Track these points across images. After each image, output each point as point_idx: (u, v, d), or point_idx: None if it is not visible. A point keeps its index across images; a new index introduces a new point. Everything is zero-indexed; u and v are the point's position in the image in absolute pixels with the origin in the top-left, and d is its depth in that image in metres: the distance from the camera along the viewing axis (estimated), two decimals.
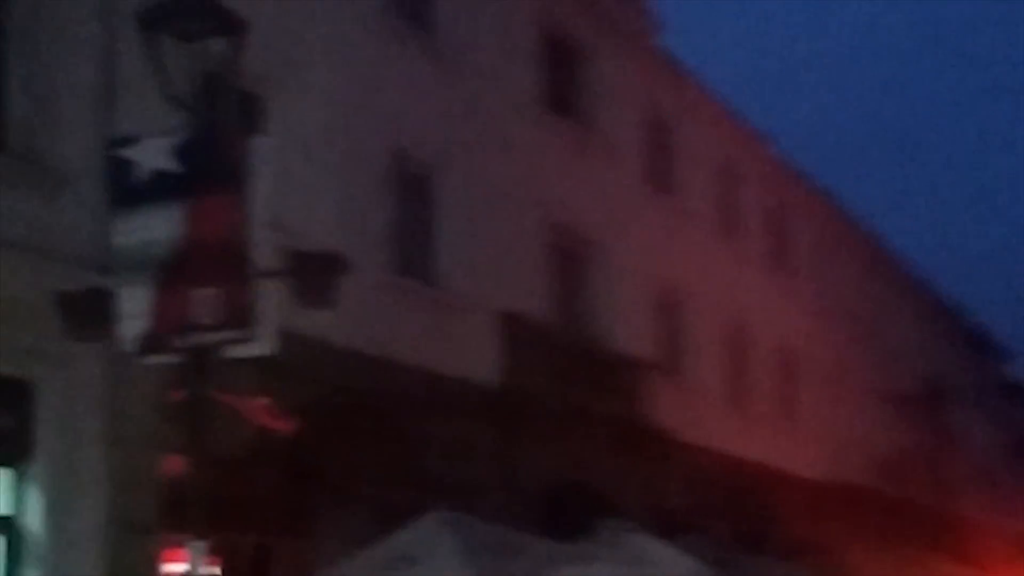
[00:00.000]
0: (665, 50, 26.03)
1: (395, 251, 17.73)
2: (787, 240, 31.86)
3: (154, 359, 9.87)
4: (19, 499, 12.03)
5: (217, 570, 13.41)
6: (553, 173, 21.55)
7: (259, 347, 9.70)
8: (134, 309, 9.57)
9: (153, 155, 9.80)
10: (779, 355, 30.54)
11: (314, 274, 9.94)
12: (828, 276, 33.67)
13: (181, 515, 9.96)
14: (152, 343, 9.60)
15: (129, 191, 9.82)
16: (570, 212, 22.08)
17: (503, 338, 19.64)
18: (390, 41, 17.93)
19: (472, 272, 18.99)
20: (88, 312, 9.80)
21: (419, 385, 17.06)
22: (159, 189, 9.70)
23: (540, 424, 19.59)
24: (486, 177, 19.61)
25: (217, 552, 13.70)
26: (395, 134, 17.80)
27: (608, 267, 23.17)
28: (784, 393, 30.76)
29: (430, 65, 18.82)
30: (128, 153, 9.88)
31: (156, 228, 9.66)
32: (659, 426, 23.08)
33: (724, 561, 17.06)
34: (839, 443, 31.78)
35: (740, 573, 17.06)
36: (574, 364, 21.27)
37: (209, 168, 9.72)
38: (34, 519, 12.01)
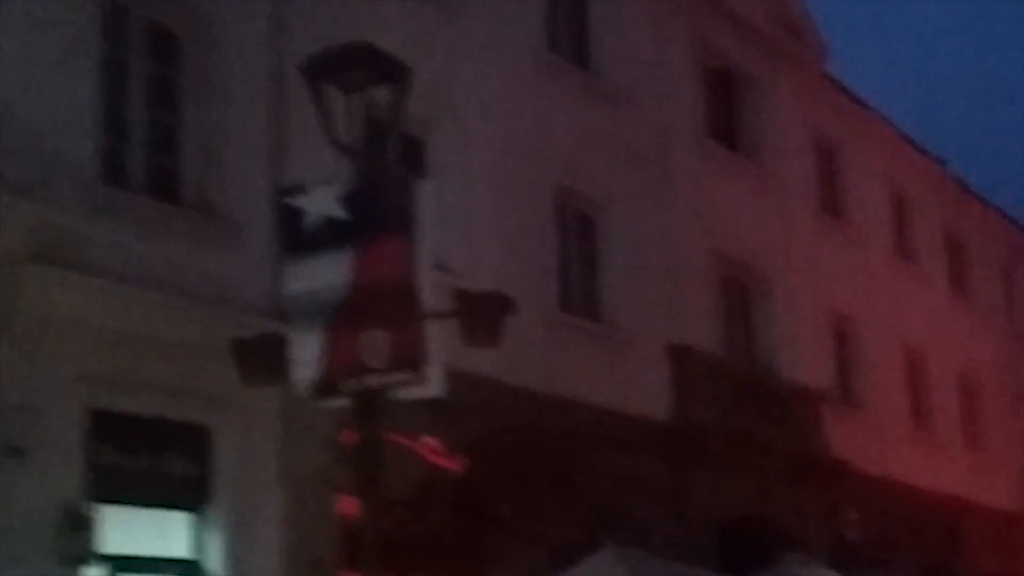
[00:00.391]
0: (832, 76, 25.68)
1: (561, 288, 17.78)
2: (966, 263, 31.06)
3: (326, 402, 10.02)
4: (199, 542, 12.37)
5: None
6: (720, 204, 21.40)
7: (429, 388, 9.76)
8: (306, 354, 9.73)
9: (321, 203, 9.97)
10: (962, 381, 29.71)
11: (481, 314, 9.99)
12: (1010, 298, 32.69)
13: (356, 554, 10.08)
14: (324, 386, 9.75)
15: (299, 239, 10.01)
16: (738, 242, 21.88)
17: (672, 371, 19.52)
18: (550, 79, 18.05)
19: (639, 306, 18.94)
20: (263, 358, 10.01)
21: (588, 421, 17.06)
22: (328, 236, 9.87)
23: (712, 457, 19.39)
24: (651, 210, 19.57)
25: None
26: (558, 171, 17.90)
27: (779, 297, 22.87)
28: (969, 420, 29.88)
29: (591, 101, 18.88)
30: (297, 202, 10.08)
31: (326, 274, 9.82)
32: (836, 457, 22.64)
33: None
34: None
35: None
36: (746, 396, 21.01)
37: (376, 213, 9.86)
38: (214, 561, 12.34)
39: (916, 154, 28.82)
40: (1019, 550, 29.02)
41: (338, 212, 9.90)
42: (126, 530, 11.69)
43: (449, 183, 15.40)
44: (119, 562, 11.56)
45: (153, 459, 11.96)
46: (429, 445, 14.31)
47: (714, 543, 19.05)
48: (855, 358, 25.60)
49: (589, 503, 16.77)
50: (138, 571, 11.81)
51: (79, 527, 10.88)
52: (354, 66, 10.04)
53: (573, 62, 18.90)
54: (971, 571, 25.87)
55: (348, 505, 12.29)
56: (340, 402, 9.93)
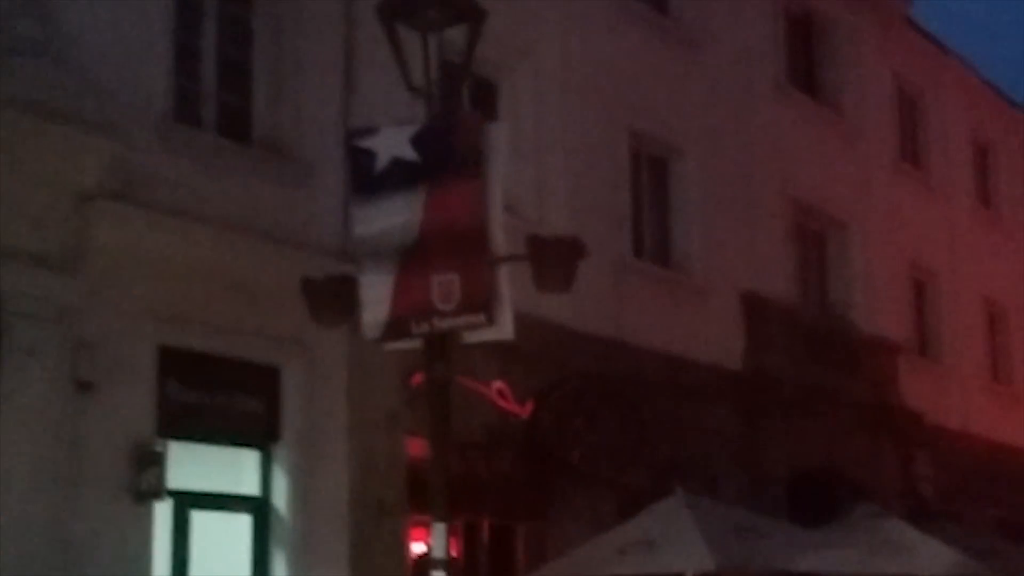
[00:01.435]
0: (914, 21, 25.18)
1: (634, 234, 17.65)
2: None
3: (395, 344, 10.01)
4: (266, 480, 12.45)
5: (457, 551, 13.65)
6: (797, 151, 21.10)
7: (498, 331, 9.72)
8: (375, 295, 9.71)
9: (392, 144, 9.91)
10: None
11: (552, 258, 9.92)
12: None
13: (423, 497, 10.09)
14: (393, 328, 9.72)
15: (369, 180, 9.96)
16: (815, 190, 21.59)
17: (746, 320, 19.35)
18: (626, 23, 17.83)
19: (713, 254, 18.76)
20: (331, 299, 10.02)
21: (659, 368, 16.97)
22: (398, 177, 9.82)
23: (784, 407, 19.23)
24: (727, 157, 19.34)
25: (458, 534, 14.01)
26: (632, 116, 17.71)
27: (855, 246, 22.57)
28: None
29: (667, 46, 18.64)
30: (368, 143, 10.01)
31: (396, 216, 9.77)
32: (910, 409, 22.41)
33: (985, 551, 16.42)
34: None
35: (1002, 564, 16.39)
36: (820, 346, 20.81)
37: (447, 156, 9.79)
38: (280, 499, 12.42)
39: (999, 101, 28.26)
40: None
41: (409, 154, 9.85)
42: (196, 466, 11.82)
43: (522, 127, 15.32)
44: (189, 497, 11.69)
45: (222, 397, 12.03)
46: (498, 389, 14.31)
47: (784, 493, 18.94)
48: (933, 309, 25.25)
49: (658, 450, 16.71)
50: (208, 507, 11.92)
51: (150, 462, 10.99)
52: (429, 6, 9.95)
53: (651, 5, 18.64)
54: None
55: (416, 448, 12.34)
56: (409, 344, 9.93)
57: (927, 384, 23.46)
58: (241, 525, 12.27)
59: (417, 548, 13.26)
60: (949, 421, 23.73)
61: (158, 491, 11.05)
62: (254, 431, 12.39)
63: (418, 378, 11.48)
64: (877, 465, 21.42)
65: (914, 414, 22.39)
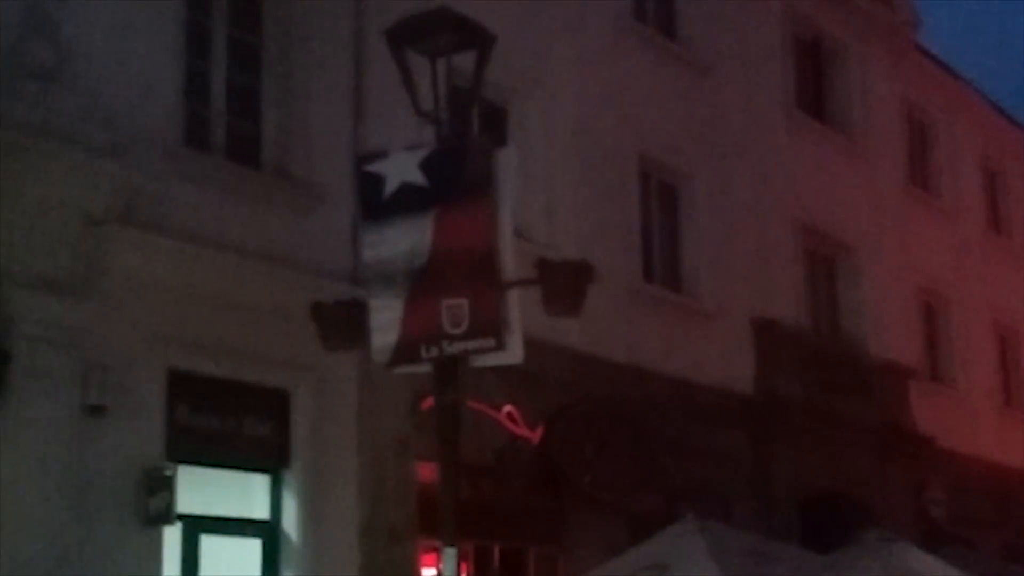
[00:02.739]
0: (923, 46, 25.21)
1: (643, 258, 17.64)
2: None
3: (404, 368, 10.00)
4: (276, 504, 12.44)
5: None
6: (806, 176, 21.11)
7: (508, 356, 9.71)
8: (385, 320, 9.71)
9: (401, 169, 9.92)
10: None
11: (562, 282, 9.91)
12: None
13: (433, 522, 10.08)
14: (402, 353, 9.72)
15: (378, 205, 9.97)
16: (825, 215, 21.59)
17: (755, 344, 19.33)
18: (635, 48, 17.88)
19: (722, 278, 18.76)
20: (341, 323, 10.03)
21: (669, 393, 16.94)
22: (408, 202, 9.83)
23: (795, 432, 19.19)
24: (736, 182, 19.36)
25: (469, 558, 13.99)
26: (642, 141, 17.73)
27: (866, 270, 22.55)
28: None
29: (676, 71, 18.68)
30: (377, 168, 10.03)
31: (405, 240, 9.78)
32: (922, 433, 22.35)
33: (994, 575, 16.38)
34: None
35: None
36: (831, 370, 20.77)
37: (457, 180, 9.80)
38: (290, 523, 12.40)
39: (1009, 126, 28.24)
40: None
41: (419, 178, 9.86)
42: (205, 491, 11.81)
43: (531, 151, 15.34)
44: (199, 522, 11.68)
45: (232, 421, 12.04)
46: (508, 413, 14.29)
47: (796, 518, 18.89)
48: (944, 333, 25.20)
49: (669, 474, 16.68)
50: (218, 531, 11.91)
51: (159, 486, 10.98)
52: (438, 32, 9.97)
53: (659, 31, 18.68)
54: None
55: (427, 472, 12.33)
56: (419, 369, 9.92)
57: (938, 408, 23.38)
58: (251, 550, 12.25)
59: (428, 573, 13.23)
60: (960, 445, 23.62)
61: (168, 515, 11.03)
62: (264, 455, 12.38)
63: (428, 402, 11.46)
64: (888, 489, 21.34)
65: (925, 438, 22.31)
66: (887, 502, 21.11)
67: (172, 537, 11.34)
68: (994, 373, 26.65)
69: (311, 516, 12.40)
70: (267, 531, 12.33)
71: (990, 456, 24.82)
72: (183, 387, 11.49)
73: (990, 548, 22.89)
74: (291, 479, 12.44)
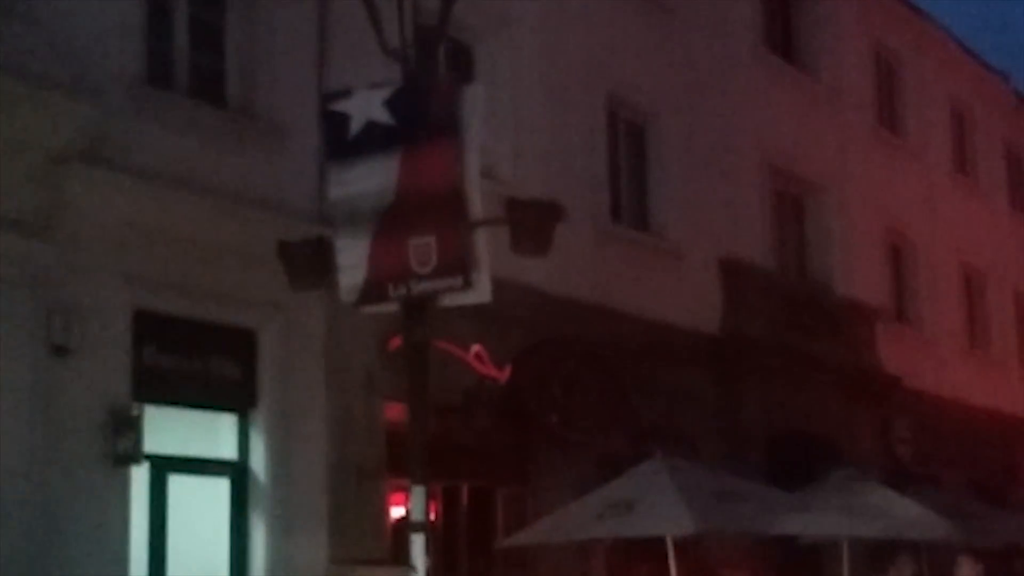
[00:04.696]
0: None
1: (611, 198, 17.61)
2: None
3: (372, 308, 10.01)
4: (244, 444, 12.41)
5: (436, 515, 13.66)
6: (774, 116, 21.08)
7: (475, 295, 9.75)
8: (352, 259, 9.72)
9: (367, 107, 9.90)
10: (1019, 298, 29.36)
11: (530, 222, 9.94)
12: None
13: (402, 461, 10.12)
14: (370, 292, 9.75)
15: (344, 143, 9.95)
16: (792, 155, 21.59)
17: (724, 284, 19.37)
18: None
19: (690, 219, 18.75)
20: (308, 262, 10.03)
21: (637, 333, 16.96)
22: (373, 141, 9.82)
23: (762, 372, 19.29)
24: (704, 122, 19.30)
25: (438, 498, 14.04)
26: (609, 80, 17.64)
27: (833, 211, 22.60)
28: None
29: (645, 11, 18.57)
30: (342, 106, 10.01)
31: (371, 179, 9.77)
32: (888, 373, 22.51)
33: (961, 513, 16.54)
34: None
35: (978, 526, 16.50)
36: (798, 311, 20.86)
37: (423, 119, 9.79)
38: (258, 463, 12.38)
39: (977, 67, 28.28)
40: None
41: (384, 117, 9.83)
42: (173, 431, 11.78)
43: (498, 91, 15.23)
44: (167, 462, 11.65)
45: (199, 361, 11.97)
46: (476, 353, 14.29)
47: (763, 457, 19.00)
48: (911, 274, 25.33)
49: (637, 414, 16.74)
50: (185, 471, 11.88)
51: (126, 426, 10.93)
52: None
53: None
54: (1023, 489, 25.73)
55: (395, 411, 12.34)
56: (387, 308, 9.93)
57: (904, 349, 23.55)
58: (219, 489, 12.25)
59: (396, 512, 13.26)
60: (926, 385, 23.81)
61: (135, 455, 11.00)
62: (231, 395, 12.33)
63: (396, 342, 11.47)
64: (855, 429, 21.51)
65: (891, 378, 22.48)
66: (854, 441, 21.28)
67: (140, 477, 11.30)
68: (960, 314, 26.82)
69: (279, 456, 12.38)
70: (235, 471, 12.31)
71: (955, 396, 25.03)
72: (149, 327, 11.40)
73: (955, 486, 23.14)
74: (259, 419, 12.40)
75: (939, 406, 24.15)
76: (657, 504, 12.97)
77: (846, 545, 15.08)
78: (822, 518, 14.42)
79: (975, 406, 25.54)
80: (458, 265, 9.56)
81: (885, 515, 14.55)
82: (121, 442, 10.91)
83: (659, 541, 13.27)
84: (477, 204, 9.73)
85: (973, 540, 15.40)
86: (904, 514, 14.70)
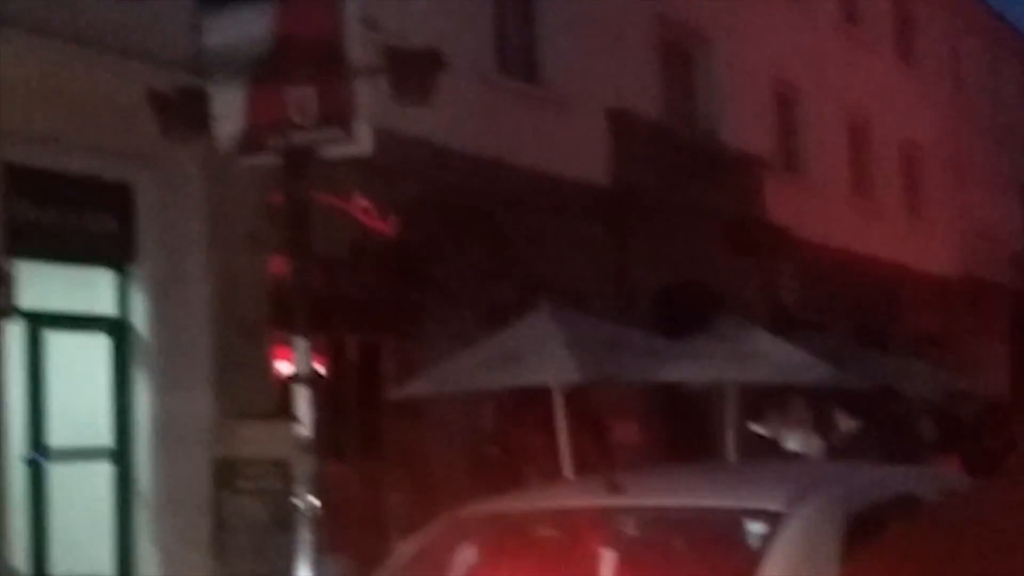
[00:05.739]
0: None
1: (497, 48, 17.37)
2: (913, 30, 30.74)
3: (252, 159, 9.81)
4: (123, 300, 12.18)
5: (323, 369, 13.60)
6: None
7: (357, 146, 9.57)
8: (228, 109, 9.46)
9: None
10: (905, 148, 29.77)
11: (412, 71, 9.73)
12: (956, 63, 32.52)
13: (287, 315, 10.00)
14: (249, 143, 9.53)
15: None
16: (681, 6, 21.43)
17: (612, 136, 19.31)
18: None
19: (578, 69, 18.58)
20: (182, 112, 9.74)
21: (525, 185, 16.89)
22: None
23: (651, 223, 19.37)
24: None
25: (324, 351, 13.96)
26: None
27: (721, 61, 22.57)
28: (910, 187, 30.08)
29: None
30: None
31: (247, 26, 9.51)
32: (776, 223, 22.74)
33: (842, 357, 16.82)
34: (967, 237, 31.14)
35: (858, 369, 16.82)
36: (687, 162, 20.92)
37: None
38: (139, 319, 12.18)
39: None
40: (953, 314, 29.57)
41: None
42: (48, 286, 11.49)
43: None
44: (43, 318, 11.41)
45: (73, 216, 11.65)
46: (361, 206, 14.12)
47: (652, 307, 19.18)
48: (797, 124, 25.51)
49: (526, 267, 16.75)
50: (63, 327, 11.66)
51: None
52: None
53: None
54: (906, 334, 26.33)
55: (279, 266, 12.18)
56: (267, 160, 9.73)
57: (791, 198, 23.77)
58: (99, 346, 12.05)
59: (282, 366, 13.18)
60: (812, 234, 24.12)
61: (6, 310, 10.73)
62: (108, 250, 12.04)
63: (277, 195, 11.27)
64: (742, 278, 21.78)
65: (778, 227, 22.71)
66: (741, 290, 21.54)
67: (15, 334, 11.06)
68: (846, 163, 27.13)
69: (160, 311, 12.18)
70: (115, 327, 12.09)
71: (842, 245, 25.41)
72: (20, 181, 11.04)
73: (840, 332, 23.60)
74: (138, 274, 12.16)
75: (825, 254, 24.51)
76: (543, 354, 12.96)
77: (732, 391, 15.30)
78: (708, 365, 14.57)
79: (859, 254, 25.96)
80: (338, 116, 9.36)
81: (768, 360, 14.74)
82: None
83: (548, 391, 13.32)
84: (358, 53, 9.50)
85: (851, 383, 15.68)
86: (787, 359, 14.90)
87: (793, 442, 16.33)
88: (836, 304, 24.53)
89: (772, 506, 5.10)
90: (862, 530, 5.05)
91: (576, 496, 6.17)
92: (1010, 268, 33.11)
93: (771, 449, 16.45)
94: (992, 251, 31.95)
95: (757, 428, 16.15)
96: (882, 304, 26.62)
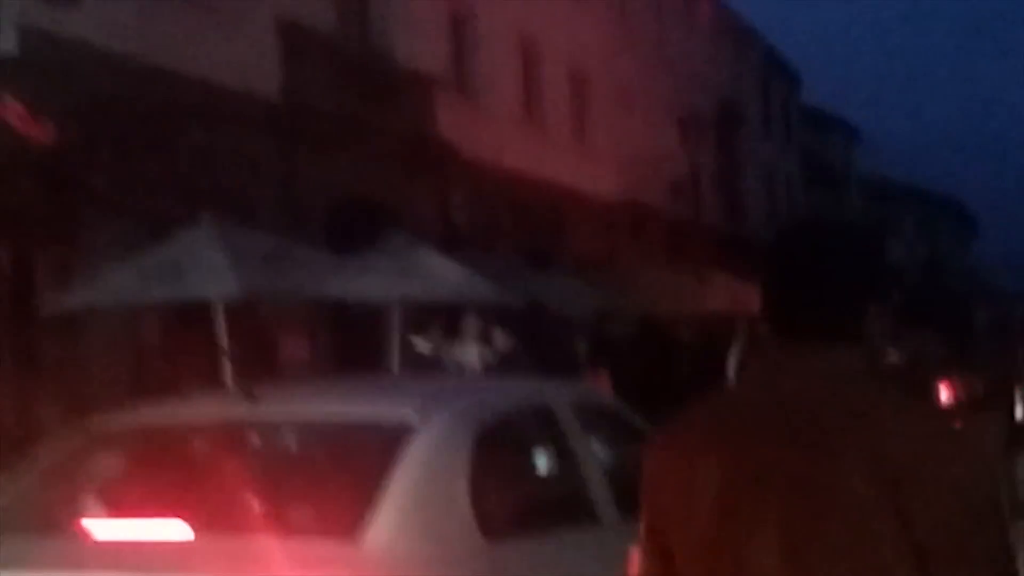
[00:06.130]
0: None
1: None
2: None
3: None
4: None
5: None
6: None
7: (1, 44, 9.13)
8: None
9: None
10: (572, 74, 30.48)
11: None
12: None
13: None
14: None
15: None
16: None
17: (283, 49, 19.03)
18: None
19: None
20: None
21: (191, 94, 16.45)
22: None
23: (322, 139, 19.25)
24: None
25: None
26: None
27: None
28: (576, 113, 30.87)
29: None
30: None
31: None
32: (446, 143, 22.95)
33: (503, 274, 17.19)
34: (630, 163, 32.22)
35: (520, 288, 17.23)
36: (359, 78, 20.84)
37: None
38: None
39: None
40: (616, 238, 30.63)
41: None
42: None
43: None
44: None
45: None
46: (13, 109, 13.49)
47: (321, 223, 19.11)
48: (471, 47, 25.73)
49: (191, 179, 16.37)
50: None
51: None
52: None
53: None
54: (572, 255, 27.10)
55: None
56: None
57: (463, 119, 24.02)
58: None
59: None
60: (483, 156, 24.48)
61: None
62: None
63: None
64: (413, 197, 21.93)
65: (450, 148, 22.94)
66: (412, 209, 21.69)
67: None
68: (518, 87, 27.59)
69: None
70: None
71: (512, 167, 25.89)
72: None
73: (509, 252, 24.10)
74: None
75: (495, 176, 24.93)
76: (203, 267, 12.70)
77: (397, 306, 15.43)
78: (373, 281, 14.65)
79: (529, 177, 26.52)
80: None
81: (434, 277, 14.94)
82: None
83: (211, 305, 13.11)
84: None
85: (511, 302, 16.07)
86: (453, 277, 15.14)
87: (455, 356, 16.62)
88: (504, 224, 25.03)
89: (401, 418, 5.10)
90: (492, 442, 5.20)
91: (211, 405, 6.09)
92: (669, 195, 34.49)
93: (434, 365, 16.71)
94: (654, 179, 33.17)
95: (418, 343, 16.34)
96: (549, 226, 27.32)
